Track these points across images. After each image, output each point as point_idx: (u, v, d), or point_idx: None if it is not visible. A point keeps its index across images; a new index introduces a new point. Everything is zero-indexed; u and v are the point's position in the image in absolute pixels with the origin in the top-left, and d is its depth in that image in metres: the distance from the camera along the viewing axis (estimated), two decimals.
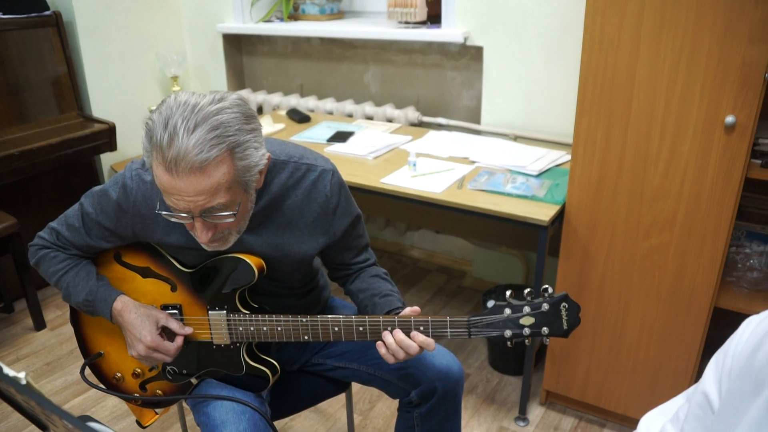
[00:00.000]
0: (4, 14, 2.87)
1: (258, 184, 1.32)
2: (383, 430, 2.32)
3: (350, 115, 3.22)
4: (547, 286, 1.30)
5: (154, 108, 1.23)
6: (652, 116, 1.82)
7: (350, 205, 1.50)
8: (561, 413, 2.39)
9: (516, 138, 2.77)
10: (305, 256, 1.47)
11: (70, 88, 3.11)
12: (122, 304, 1.44)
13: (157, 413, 1.66)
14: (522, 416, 2.36)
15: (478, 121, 2.95)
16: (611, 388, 2.23)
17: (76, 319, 1.60)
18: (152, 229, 1.41)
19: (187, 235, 1.37)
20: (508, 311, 1.32)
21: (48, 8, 3.02)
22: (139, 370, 1.55)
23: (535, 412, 2.40)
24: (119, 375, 1.57)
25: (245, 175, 1.23)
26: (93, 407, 2.47)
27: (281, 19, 3.47)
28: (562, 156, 2.44)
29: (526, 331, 1.32)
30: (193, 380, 1.52)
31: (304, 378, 1.72)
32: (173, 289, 1.47)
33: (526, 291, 1.31)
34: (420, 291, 3.19)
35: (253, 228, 1.40)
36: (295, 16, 3.48)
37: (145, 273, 1.49)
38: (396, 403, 1.87)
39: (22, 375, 0.78)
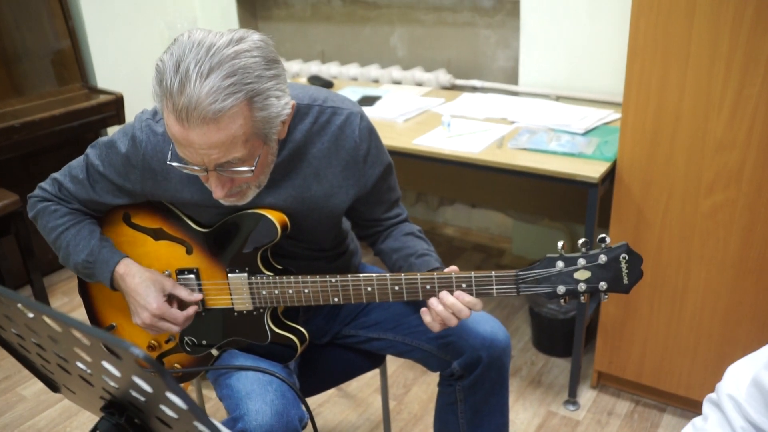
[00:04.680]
0: None
1: (281, 135, 1.28)
2: (420, 416, 2.29)
3: (376, 81, 3.18)
4: (604, 235, 1.25)
5: None
6: (715, 53, 1.74)
7: (381, 152, 1.46)
8: (615, 396, 2.33)
9: (558, 98, 2.70)
10: (335, 211, 1.43)
11: (72, 57, 3.10)
12: (125, 268, 1.41)
13: None
14: (572, 400, 2.30)
15: (515, 82, 2.89)
16: (671, 368, 2.17)
17: (85, 290, 1.58)
18: (164, 186, 1.38)
19: (204, 190, 1.33)
20: (560, 264, 1.27)
21: None
22: (155, 343, 1.52)
23: (586, 395, 2.34)
24: None
25: (265, 126, 1.19)
26: None
27: None
28: (611, 114, 2.37)
29: (582, 286, 1.27)
30: (214, 351, 1.50)
31: (335, 351, 1.69)
32: (189, 251, 1.44)
33: (581, 241, 1.26)
34: None
35: (276, 181, 1.36)
36: None
37: (158, 235, 1.46)
38: (434, 384, 1.83)
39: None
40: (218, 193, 1.24)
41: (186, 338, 1.50)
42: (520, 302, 2.90)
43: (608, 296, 1.29)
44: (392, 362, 2.51)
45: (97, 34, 3.26)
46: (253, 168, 1.21)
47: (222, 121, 1.12)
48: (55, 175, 1.49)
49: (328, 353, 1.68)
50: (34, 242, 2.64)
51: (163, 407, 0.68)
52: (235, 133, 1.14)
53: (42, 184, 1.51)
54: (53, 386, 1.05)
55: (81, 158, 1.46)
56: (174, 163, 1.24)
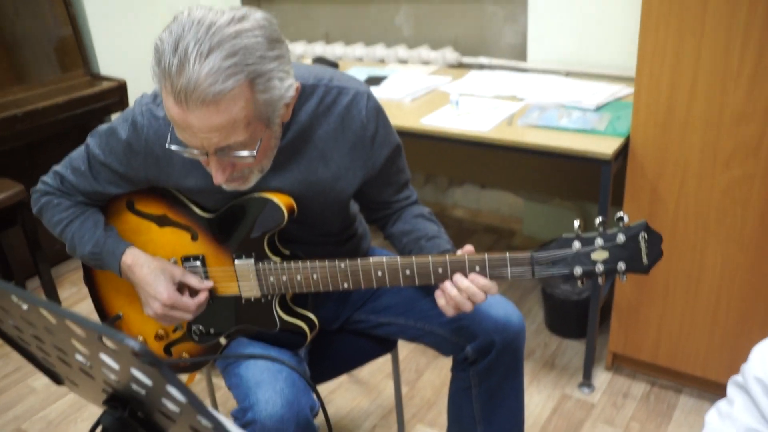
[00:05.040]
0: None
1: (284, 118, 1.24)
2: (433, 401, 2.26)
3: (382, 61, 3.12)
4: (622, 213, 1.20)
5: None
6: (732, 22, 1.68)
7: (390, 132, 1.42)
8: (630, 378, 2.29)
9: (568, 74, 2.64)
10: (342, 194, 1.39)
11: (74, 43, 3.06)
12: (132, 258, 1.38)
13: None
14: (586, 382, 2.27)
15: (524, 58, 2.83)
16: (687, 349, 2.12)
17: (91, 279, 1.55)
18: (167, 171, 1.35)
19: (207, 175, 1.29)
20: (577, 245, 1.23)
21: None
22: (162, 332, 1.49)
23: (601, 377, 2.31)
24: (141, 338, 1.52)
25: (267, 109, 1.15)
26: None
27: None
28: (623, 89, 2.31)
29: (600, 267, 1.23)
30: (222, 340, 1.46)
31: (346, 338, 1.66)
32: (194, 237, 1.41)
33: (598, 220, 1.21)
34: None
35: (281, 164, 1.32)
36: None
37: (162, 221, 1.43)
38: (447, 368, 1.79)
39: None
40: (219, 178, 1.20)
41: (194, 327, 1.47)
42: (533, 283, 2.86)
43: (627, 277, 1.25)
44: (404, 347, 2.48)
45: (98, 20, 3.21)
46: (255, 152, 1.17)
47: (222, 103, 1.08)
48: (57, 167, 1.46)
49: (338, 339, 1.65)
50: (41, 233, 2.61)
51: (164, 401, 0.64)
52: (236, 116, 1.10)
53: (44, 177, 1.48)
54: (57, 379, 1.02)
55: (81, 148, 1.42)
56: (174, 147, 1.20)
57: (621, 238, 1.21)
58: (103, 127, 1.39)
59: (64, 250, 1.48)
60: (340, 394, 2.32)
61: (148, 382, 0.61)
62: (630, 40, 2.43)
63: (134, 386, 0.67)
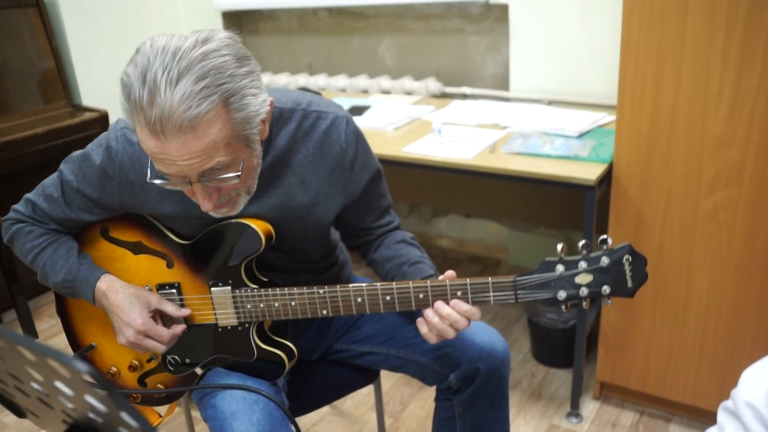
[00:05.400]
0: None
1: (263, 135, 1.21)
2: None
3: (365, 91, 3.12)
4: (606, 236, 1.18)
5: None
6: (711, 48, 1.68)
7: (369, 158, 1.39)
8: (619, 407, 2.25)
9: (551, 103, 2.65)
10: (321, 220, 1.36)
11: (56, 75, 3.05)
12: (107, 284, 1.34)
13: (160, 416, 1.56)
14: (574, 412, 2.22)
15: (506, 88, 2.84)
16: (676, 376, 2.09)
17: (63, 309, 1.51)
18: (142, 198, 1.31)
19: (184, 200, 1.26)
20: (560, 268, 1.20)
21: None
22: (136, 362, 1.44)
23: (589, 407, 2.26)
24: (114, 369, 1.47)
25: (246, 127, 1.12)
26: None
27: None
28: (605, 116, 2.32)
29: (584, 291, 1.20)
30: (198, 370, 1.42)
31: (327, 368, 1.61)
32: (169, 265, 1.37)
33: (582, 243, 1.19)
34: None
35: (260, 189, 1.29)
36: None
37: (137, 249, 1.39)
38: (432, 398, 1.75)
39: None
40: (206, 206, 1.17)
41: (168, 357, 1.42)
42: (519, 312, 2.83)
43: (611, 301, 1.22)
44: (388, 378, 2.43)
45: (81, 53, 3.21)
46: (239, 173, 1.14)
47: (200, 127, 1.05)
48: (29, 195, 1.42)
49: (319, 369, 1.61)
50: (19, 265, 2.56)
51: (122, 430, 0.60)
52: (214, 138, 1.07)
53: (15, 206, 1.44)
54: (18, 411, 0.98)
55: (55, 175, 1.39)
56: (156, 181, 1.16)
57: (605, 260, 1.18)
58: (77, 153, 1.36)
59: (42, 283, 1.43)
60: (322, 426, 2.26)
61: (102, 409, 0.57)
62: (611, 69, 2.44)
63: (91, 415, 0.63)
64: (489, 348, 1.42)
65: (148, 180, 1.17)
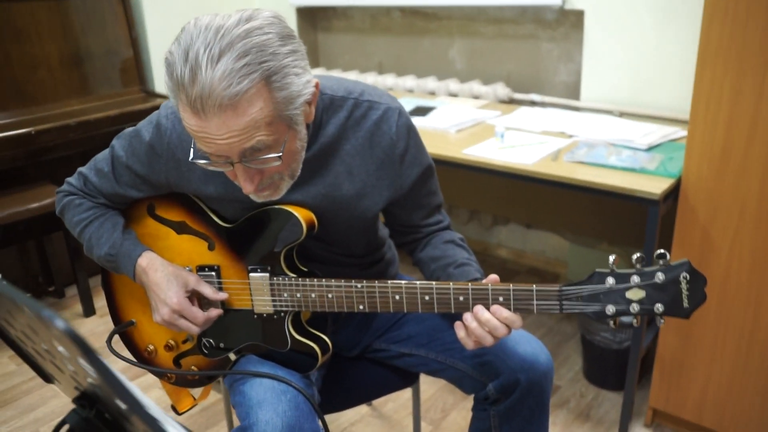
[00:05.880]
0: None
1: (308, 118, 1.18)
2: None
3: (432, 93, 3.08)
4: (663, 250, 1.10)
5: None
6: None
7: (421, 152, 1.35)
8: None
9: (621, 115, 2.55)
10: (367, 212, 1.33)
11: (133, 61, 3.13)
12: (148, 261, 1.34)
13: (195, 399, 1.56)
14: None
15: (577, 97, 2.74)
16: (736, 410, 1.96)
17: (107, 284, 1.52)
18: (188, 177, 1.30)
19: (227, 183, 1.25)
20: (611, 281, 1.12)
21: None
22: (172, 342, 1.44)
23: None
24: (151, 347, 1.47)
25: (288, 107, 1.09)
26: None
27: None
28: (677, 131, 2.20)
29: (635, 307, 1.12)
30: (232, 356, 1.40)
31: (364, 366, 1.57)
32: (211, 247, 1.36)
33: (636, 256, 1.11)
34: None
35: (305, 177, 1.26)
36: None
37: (181, 228, 1.38)
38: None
39: None
40: (248, 188, 1.15)
41: (204, 340, 1.41)
42: (573, 329, 2.72)
43: (664, 321, 1.14)
44: (432, 384, 2.37)
45: (158, 41, 3.29)
46: (281, 154, 1.11)
47: (240, 105, 1.03)
48: (82, 168, 1.44)
49: (356, 367, 1.57)
50: None
51: (117, 401, 0.58)
52: (255, 116, 1.05)
53: (69, 178, 1.46)
54: (44, 375, 0.97)
55: (107, 150, 1.40)
56: (199, 161, 1.15)
57: (660, 277, 1.10)
58: (129, 129, 1.37)
59: None
60: (360, 427, 2.22)
61: (94, 374, 0.55)
62: (686, 82, 2.32)
63: (90, 380, 0.61)
64: (532, 360, 1.35)
65: (190, 160, 1.16)
